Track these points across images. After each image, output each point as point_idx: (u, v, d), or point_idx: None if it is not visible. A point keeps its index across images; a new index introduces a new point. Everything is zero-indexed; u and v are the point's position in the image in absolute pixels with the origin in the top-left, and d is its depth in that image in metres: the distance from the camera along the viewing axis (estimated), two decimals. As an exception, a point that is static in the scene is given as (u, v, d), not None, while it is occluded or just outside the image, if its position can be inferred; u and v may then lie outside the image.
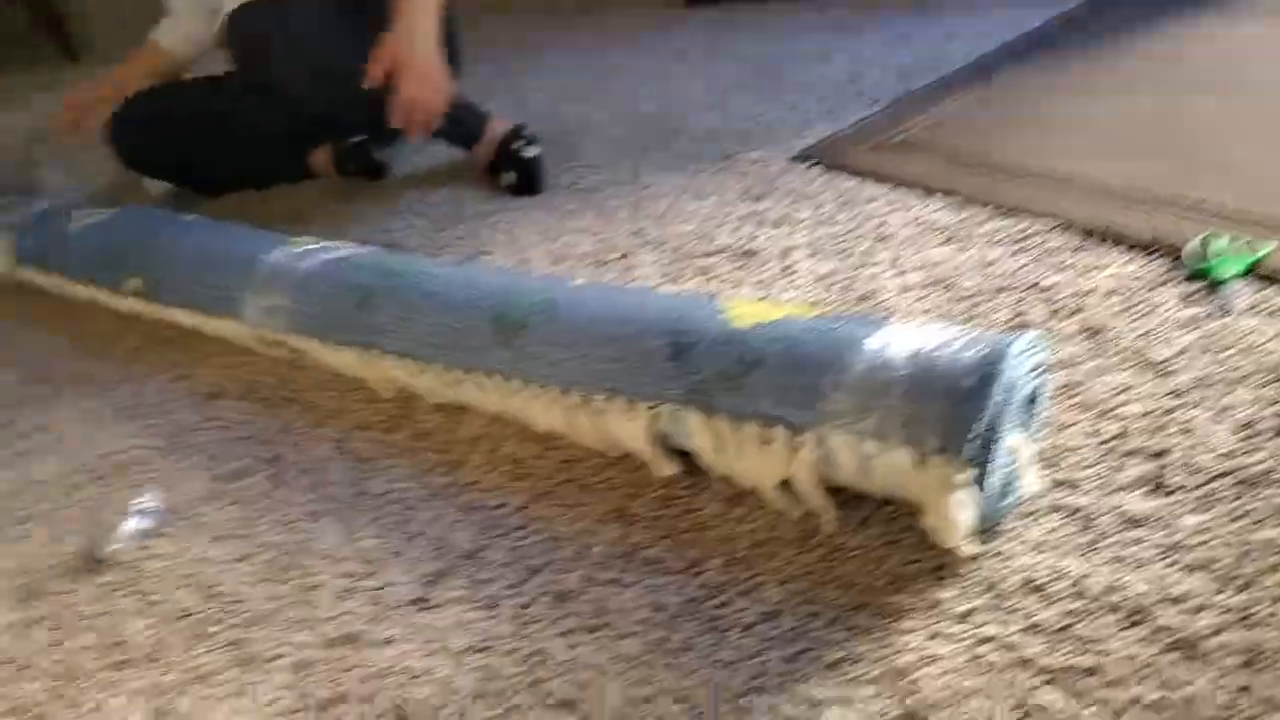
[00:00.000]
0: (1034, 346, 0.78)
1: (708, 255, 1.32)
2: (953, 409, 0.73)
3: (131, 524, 0.95)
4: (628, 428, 0.90)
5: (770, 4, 2.33)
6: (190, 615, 0.86)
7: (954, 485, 0.72)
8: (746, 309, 0.90)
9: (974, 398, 0.72)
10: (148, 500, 0.99)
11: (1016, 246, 1.18)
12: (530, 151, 1.63)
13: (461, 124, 1.64)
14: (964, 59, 1.76)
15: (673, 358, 0.87)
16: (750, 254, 1.30)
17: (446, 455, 1.01)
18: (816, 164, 1.50)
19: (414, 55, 1.45)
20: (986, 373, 0.73)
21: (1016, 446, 0.77)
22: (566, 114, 1.93)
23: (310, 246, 1.23)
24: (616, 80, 2.04)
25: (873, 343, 0.79)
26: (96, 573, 0.93)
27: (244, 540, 0.93)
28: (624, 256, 1.36)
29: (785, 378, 0.81)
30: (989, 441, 0.72)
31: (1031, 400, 0.81)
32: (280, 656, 0.80)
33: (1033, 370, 0.79)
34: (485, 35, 2.58)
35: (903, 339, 0.79)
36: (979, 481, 0.72)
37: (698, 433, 0.86)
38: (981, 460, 0.72)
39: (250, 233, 1.37)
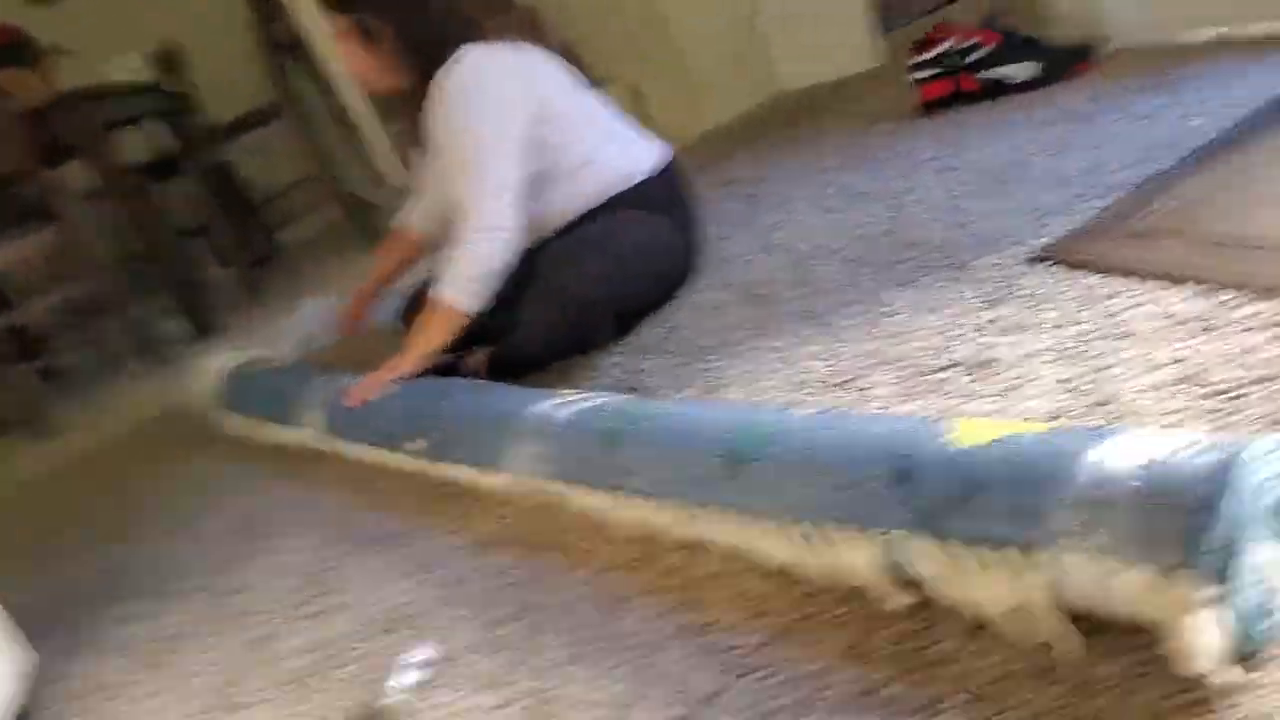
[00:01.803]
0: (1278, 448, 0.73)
1: (943, 370, 1.31)
2: (1186, 519, 0.68)
3: (412, 675, 1.06)
4: (856, 557, 0.91)
5: (1001, 99, 2.30)
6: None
7: (1195, 604, 0.67)
8: (971, 429, 0.89)
9: (1208, 506, 0.68)
10: (426, 651, 1.10)
11: (1275, 331, 1.08)
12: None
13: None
14: (1206, 135, 1.64)
15: (896, 482, 0.87)
16: (987, 364, 1.27)
17: (688, 593, 1.05)
18: (1056, 263, 1.45)
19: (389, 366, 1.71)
20: (1222, 479, 0.68)
21: (1271, 561, 0.70)
22: (803, 241, 1.99)
23: (568, 398, 1.34)
24: (856, 202, 2.08)
25: (1098, 454, 0.76)
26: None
27: (507, 688, 1.02)
28: (857, 378, 1.37)
29: (1010, 497, 0.80)
30: (1233, 555, 0.67)
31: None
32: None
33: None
34: (724, 171, 2.72)
35: (1131, 448, 0.76)
36: (1227, 600, 0.67)
37: (926, 560, 0.85)
38: (1227, 576, 0.67)
39: (520, 390, 1.51)
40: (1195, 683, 0.71)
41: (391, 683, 1.06)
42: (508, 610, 1.15)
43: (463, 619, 1.17)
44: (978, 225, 1.69)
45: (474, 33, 1.78)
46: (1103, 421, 1.06)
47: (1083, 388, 1.14)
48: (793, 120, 2.96)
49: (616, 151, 1.90)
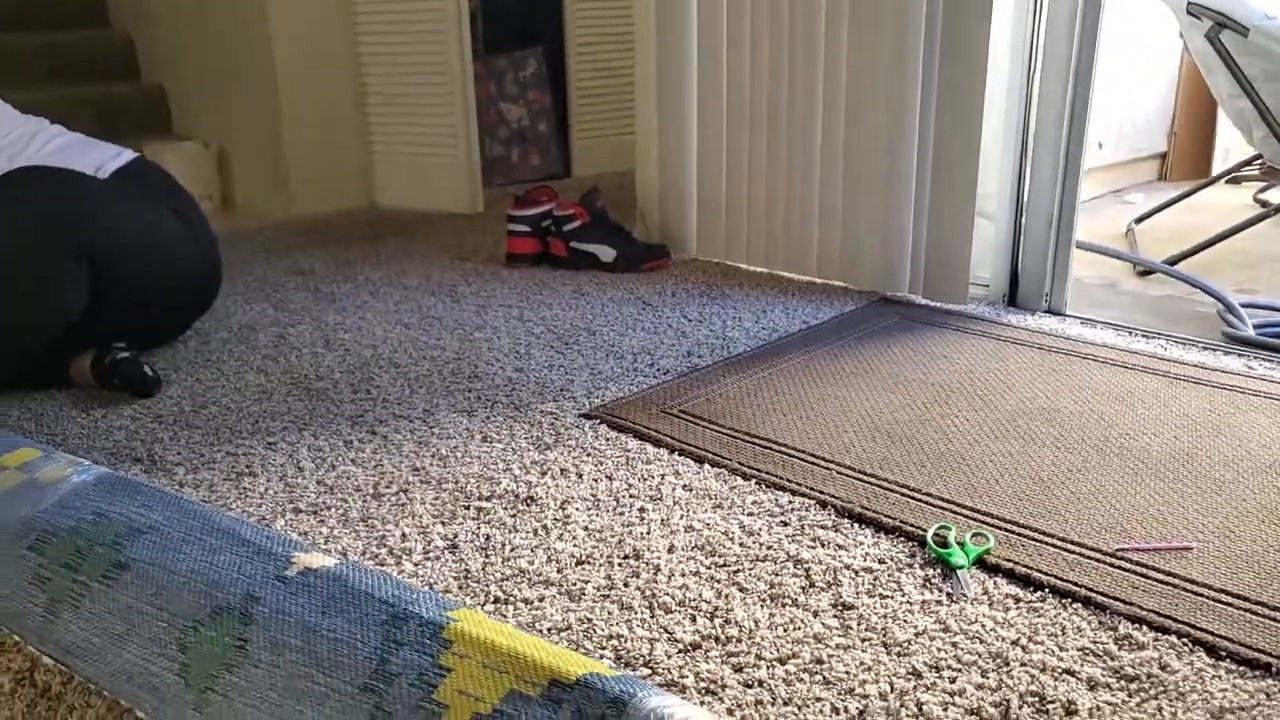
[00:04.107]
0: None
1: (487, 498, 1.31)
2: None
3: None
4: None
5: (583, 271, 2.47)
6: None
7: None
8: (468, 671, 0.75)
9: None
10: None
11: (779, 519, 1.24)
12: (122, 354, 1.72)
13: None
14: (744, 345, 1.90)
15: None
16: (530, 500, 1.30)
17: None
18: (603, 422, 1.55)
19: None
20: None
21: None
22: (368, 349, 1.94)
23: (15, 483, 1.05)
24: (429, 325, 2.08)
25: None
26: None
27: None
28: (400, 492, 1.34)
29: None
30: None
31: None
32: None
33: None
34: (301, 261, 2.61)
35: None
36: None
37: None
38: None
39: None
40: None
41: None
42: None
43: None
44: (539, 374, 1.77)
45: None
46: (624, 574, 1.12)
47: (610, 539, 1.20)
48: (384, 234, 2.94)
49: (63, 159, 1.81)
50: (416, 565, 1.16)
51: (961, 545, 1.14)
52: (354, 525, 1.26)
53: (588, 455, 1.44)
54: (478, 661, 0.75)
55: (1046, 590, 1.07)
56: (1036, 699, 0.90)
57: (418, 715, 0.72)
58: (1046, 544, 1.15)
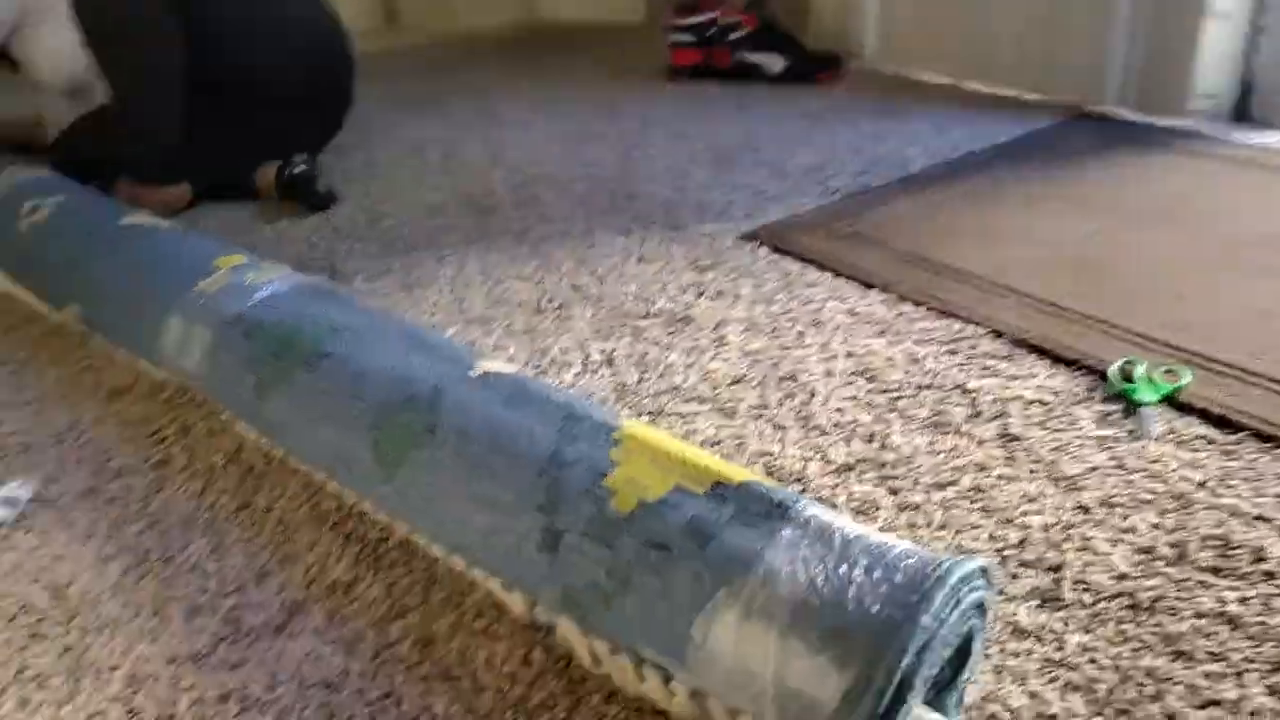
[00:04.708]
0: (972, 581, 0.64)
1: (643, 317, 1.31)
2: (854, 683, 0.59)
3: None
4: (511, 600, 0.81)
5: (749, 83, 2.36)
6: (30, 614, 0.81)
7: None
8: (637, 464, 0.76)
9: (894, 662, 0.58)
10: (13, 489, 0.94)
11: (947, 347, 1.18)
12: (299, 169, 1.77)
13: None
14: (923, 164, 1.79)
15: (544, 548, 0.75)
16: (686, 321, 1.29)
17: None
18: (765, 244, 1.50)
19: None
20: (899, 638, 0.59)
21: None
22: (533, 166, 1.94)
23: (226, 281, 1.13)
24: (589, 143, 2.05)
25: (772, 557, 0.66)
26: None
27: (109, 541, 0.89)
28: (561, 307, 1.35)
29: (655, 608, 0.68)
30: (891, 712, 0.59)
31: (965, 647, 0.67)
32: (117, 668, 0.75)
33: (968, 613, 0.65)
34: (467, 78, 2.60)
35: (808, 556, 0.66)
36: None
37: (572, 643, 0.76)
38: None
39: (179, 255, 1.24)
40: None
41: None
42: (129, 462, 1.02)
43: (75, 464, 1.02)
44: (699, 194, 1.72)
45: None
46: (778, 395, 1.10)
47: (765, 361, 1.18)
48: (545, 49, 2.89)
49: None
50: (575, 377, 1.17)
51: (1150, 381, 1.06)
52: (518, 336, 1.28)
53: (746, 277, 1.40)
54: (646, 459, 0.77)
55: (1246, 433, 0.98)
56: (1220, 543, 0.84)
57: (587, 498, 0.75)
58: (1253, 383, 1.06)
